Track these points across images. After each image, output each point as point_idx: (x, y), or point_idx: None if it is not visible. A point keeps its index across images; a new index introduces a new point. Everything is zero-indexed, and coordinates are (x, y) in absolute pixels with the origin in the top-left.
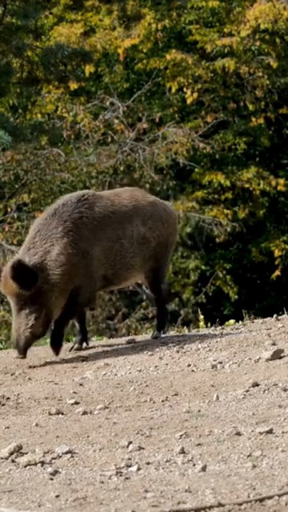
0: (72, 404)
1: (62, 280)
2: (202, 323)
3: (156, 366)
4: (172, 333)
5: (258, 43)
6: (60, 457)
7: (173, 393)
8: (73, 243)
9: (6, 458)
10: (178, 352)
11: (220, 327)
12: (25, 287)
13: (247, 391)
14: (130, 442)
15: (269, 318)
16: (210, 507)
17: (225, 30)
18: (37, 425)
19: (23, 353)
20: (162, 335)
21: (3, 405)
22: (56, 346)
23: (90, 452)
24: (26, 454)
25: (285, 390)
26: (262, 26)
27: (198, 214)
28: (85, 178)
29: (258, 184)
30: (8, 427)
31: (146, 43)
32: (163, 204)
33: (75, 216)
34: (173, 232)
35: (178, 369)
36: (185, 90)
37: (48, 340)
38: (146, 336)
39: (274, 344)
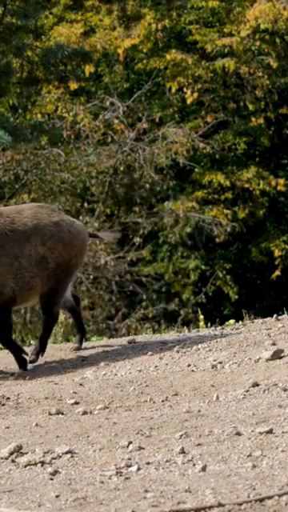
0: (72, 404)
1: None
2: (202, 323)
3: (156, 366)
4: (172, 333)
5: (258, 43)
6: (60, 457)
7: (173, 393)
8: None
9: (6, 458)
10: (177, 352)
11: (220, 327)
12: None
13: (247, 391)
14: (130, 442)
15: (269, 318)
16: (210, 507)
17: (225, 29)
18: (37, 425)
19: None
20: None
21: (3, 405)
22: (21, 362)
23: (90, 452)
24: (26, 454)
25: (285, 390)
26: (262, 26)
27: (198, 214)
28: (85, 177)
29: (258, 184)
30: (8, 427)
31: (146, 43)
32: (70, 225)
33: None
34: (78, 254)
35: (178, 369)
36: (185, 90)
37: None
38: (146, 336)
39: (274, 344)
